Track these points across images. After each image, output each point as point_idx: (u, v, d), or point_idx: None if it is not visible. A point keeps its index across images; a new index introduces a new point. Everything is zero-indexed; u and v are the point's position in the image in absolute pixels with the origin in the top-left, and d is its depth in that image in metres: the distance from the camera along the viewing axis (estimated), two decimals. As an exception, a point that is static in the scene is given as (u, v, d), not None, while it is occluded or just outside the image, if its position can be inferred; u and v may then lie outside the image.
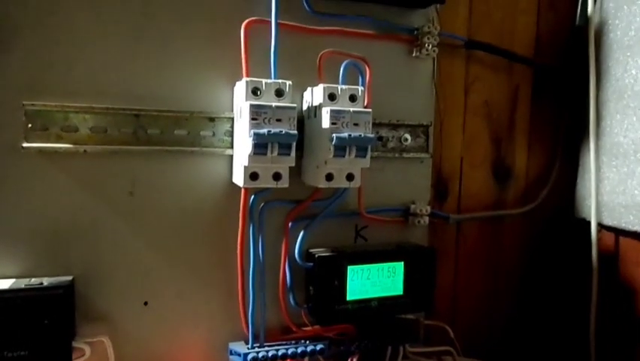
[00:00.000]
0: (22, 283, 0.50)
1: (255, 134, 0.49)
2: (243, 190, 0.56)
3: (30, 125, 0.51)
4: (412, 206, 0.67)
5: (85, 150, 0.53)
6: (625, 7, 0.66)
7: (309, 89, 0.59)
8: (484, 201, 0.76)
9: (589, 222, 0.72)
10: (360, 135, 0.53)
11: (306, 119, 0.60)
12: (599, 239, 0.71)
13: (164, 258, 0.58)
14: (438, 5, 0.66)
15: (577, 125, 0.76)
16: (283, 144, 0.51)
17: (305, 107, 0.60)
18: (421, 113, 0.68)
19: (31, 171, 0.52)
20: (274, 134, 0.50)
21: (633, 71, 0.64)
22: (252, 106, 0.50)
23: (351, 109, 0.54)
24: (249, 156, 0.50)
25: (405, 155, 0.67)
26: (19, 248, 0.52)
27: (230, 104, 0.58)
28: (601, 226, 0.71)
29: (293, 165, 0.53)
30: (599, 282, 0.70)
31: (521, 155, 0.78)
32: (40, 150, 0.51)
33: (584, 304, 0.72)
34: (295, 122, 0.52)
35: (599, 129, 0.71)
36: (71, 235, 0.54)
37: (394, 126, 0.66)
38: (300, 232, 0.61)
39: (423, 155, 0.68)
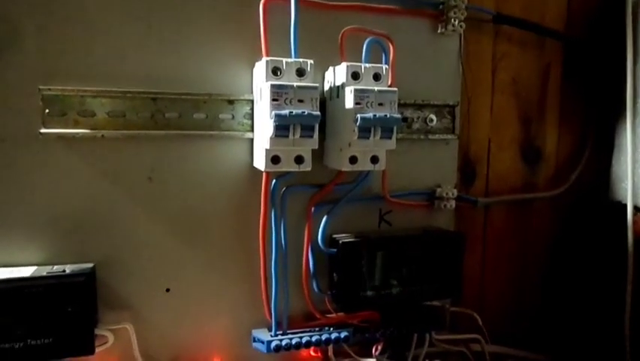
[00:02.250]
0: (44, 270, 0.50)
1: (276, 115, 0.47)
2: (264, 174, 0.54)
3: (47, 111, 0.50)
4: (438, 190, 0.65)
5: (103, 135, 0.52)
6: (667, -26, 0.61)
7: (330, 68, 0.57)
8: (512, 183, 0.73)
9: (624, 205, 0.69)
10: (385, 115, 0.51)
11: (328, 99, 0.58)
12: (635, 222, 0.68)
13: (185, 244, 0.57)
14: (465, -22, 0.62)
15: (611, 103, 0.72)
16: (305, 126, 0.49)
17: (327, 87, 0.58)
18: (447, 92, 0.65)
19: (50, 157, 0.51)
20: (296, 115, 0.48)
21: (675, 44, 0.60)
22: (272, 86, 0.48)
23: (376, 88, 0.52)
24: (270, 138, 0.48)
25: (430, 136, 0.64)
26: (40, 235, 0.52)
27: (249, 86, 0.57)
28: (637, 209, 0.68)
29: (316, 147, 0.51)
30: (635, 267, 0.67)
31: (552, 135, 0.74)
32: (58, 136, 0.50)
33: (617, 291, 0.69)
34: (317, 103, 0.50)
35: (636, 107, 0.67)
36: (91, 221, 0.53)
37: (419, 106, 0.63)
38: (323, 217, 0.59)
39: (449, 136, 0.65)
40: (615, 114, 0.72)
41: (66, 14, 0.50)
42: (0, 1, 0.48)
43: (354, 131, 0.51)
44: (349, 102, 0.51)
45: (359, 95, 0.51)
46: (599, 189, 0.75)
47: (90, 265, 0.52)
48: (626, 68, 0.67)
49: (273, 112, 0.47)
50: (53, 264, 0.52)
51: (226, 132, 0.56)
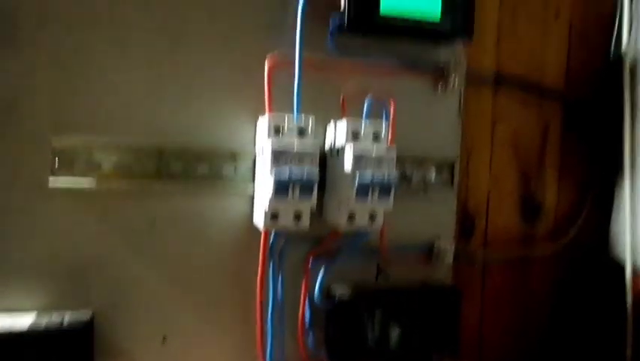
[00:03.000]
0: (44, 318, 0.50)
1: (276, 175, 0.49)
2: (263, 229, 0.55)
3: (57, 162, 0.52)
4: (437, 243, 0.65)
5: (108, 187, 0.53)
6: (662, 42, 0.63)
7: (332, 122, 0.59)
8: (511, 237, 0.73)
9: (623, 264, 0.69)
10: (383, 177, 0.52)
11: (328, 155, 0.59)
12: (634, 281, 0.68)
13: (183, 293, 0.57)
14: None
15: (610, 160, 0.73)
16: (305, 186, 0.50)
17: (327, 143, 0.60)
18: (447, 148, 0.66)
19: (56, 205, 0.52)
20: (296, 175, 0.49)
21: (671, 109, 0.61)
22: (273, 146, 0.50)
23: (375, 148, 0.53)
24: (270, 197, 0.50)
25: (429, 191, 0.65)
26: (42, 281, 0.53)
27: (252, 140, 0.58)
28: (636, 268, 0.68)
29: (314, 206, 0.52)
30: (634, 329, 0.67)
31: (551, 191, 0.75)
32: (65, 186, 0.52)
33: (617, 353, 0.69)
34: (317, 163, 0.51)
35: (635, 166, 0.68)
36: (92, 268, 0.54)
37: (419, 161, 0.65)
38: (320, 270, 0.60)
39: (448, 191, 0.66)
40: (614, 172, 0.72)
41: (78, 69, 0.52)
42: (16, 56, 0.50)
43: (352, 190, 0.52)
44: (348, 163, 0.53)
45: (358, 155, 0.52)
46: (598, 246, 0.75)
47: (89, 313, 0.53)
48: (623, 128, 0.68)
49: (274, 172, 0.49)
50: (54, 309, 0.52)
51: (228, 186, 0.57)
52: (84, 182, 0.52)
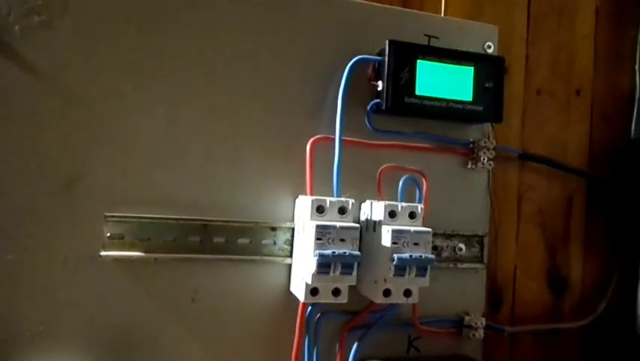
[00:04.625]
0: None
1: (319, 255, 0.51)
2: (301, 303, 0.57)
3: (108, 235, 0.54)
4: (467, 318, 0.66)
5: (155, 259, 0.55)
6: (683, 127, 0.66)
7: (368, 201, 0.61)
8: (539, 311, 0.74)
9: (652, 342, 0.69)
10: (421, 256, 0.54)
11: (364, 230, 0.61)
12: (664, 361, 0.68)
13: (219, 364, 0.58)
14: (493, 120, 0.68)
15: (635, 237, 0.74)
16: (346, 264, 0.52)
17: (363, 218, 0.62)
18: (476, 223, 0.68)
19: (105, 278, 0.54)
20: (338, 255, 0.51)
21: (696, 193, 0.63)
22: (317, 227, 0.52)
23: (412, 228, 0.55)
24: (312, 274, 0.52)
25: (459, 265, 0.67)
26: (87, 349, 0.54)
27: (291, 215, 0.61)
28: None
29: (354, 283, 0.54)
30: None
31: (577, 265, 0.76)
32: (115, 258, 0.54)
33: None
34: (358, 243, 0.53)
35: (661, 246, 0.69)
36: (135, 338, 0.55)
37: (449, 236, 0.67)
38: (354, 343, 0.60)
39: (477, 265, 0.68)
40: (639, 248, 0.74)
41: (132, 147, 0.56)
42: (75, 140, 0.54)
43: (390, 268, 0.54)
44: (386, 241, 0.55)
45: (396, 235, 0.55)
46: (626, 320, 0.75)
47: (128, 383, 0.54)
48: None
49: (317, 251, 0.51)
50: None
51: (267, 257, 0.59)
52: (132, 255, 0.55)
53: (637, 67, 0.77)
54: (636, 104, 0.77)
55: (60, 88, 0.54)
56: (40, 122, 0.53)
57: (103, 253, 0.54)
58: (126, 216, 0.55)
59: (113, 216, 0.54)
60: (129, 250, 0.55)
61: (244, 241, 0.59)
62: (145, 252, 0.55)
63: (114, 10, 0.55)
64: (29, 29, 0.53)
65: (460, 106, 0.62)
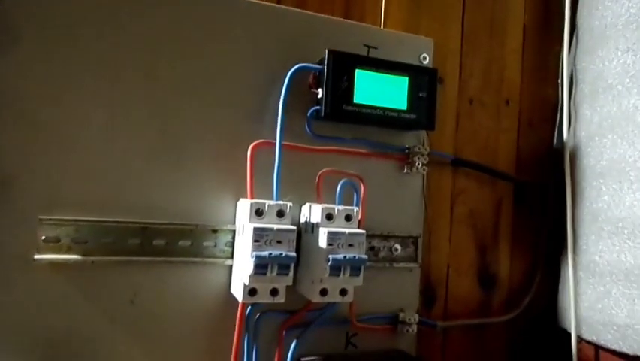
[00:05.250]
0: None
1: (256, 256, 0.53)
2: (240, 303, 0.58)
3: (43, 238, 0.54)
4: (401, 314, 0.70)
5: (92, 261, 0.55)
6: (596, 138, 0.72)
7: (307, 204, 0.63)
8: (469, 307, 0.79)
9: (569, 334, 0.75)
10: (354, 257, 0.57)
11: (303, 232, 0.64)
12: (579, 350, 0.74)
13: (159, 365, 0.59)
14: (427, 128, 0.72)
15: (557, 238, 0.81)
16: (282, 265, 0.54)
17: (302, 220, 0.64)
18: (411, 224, 0.72)
19: (39, 281, 0.54)
20: (275, 256, 0.53)
21: (606, 197, 0.70)
22: (255, 229, 0.54)
23: (347, 230, 0.58)
24: (250, 275, 0.53)
25: (395, 264, 0.70)
26: (22, 356, 0.53)
27: (232, 217, 0.62)
28: (581, 338, 0.74)
29: (290, 283, 0.56)
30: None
31: (505, 263, 0.82)
32: (50, 262, 0.54)
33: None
34: (294, 244, 0.55)
35: (576, 246, 0.75)
36: (72, 342, 0.55)
37: (386, 237, 0.70)
38: (292, 341, 0.63)
39: (412, 264, 0.71)
40: (559, 249, 0.80)
41: (70, 149, 0.56)
42: (9, 141, 0.53)
43: (325, 268, 0.56)
44: (323, 242, 0.57)
45: (332, 237, 0.57)
46: (548, 315, 0.81)
47: (64, 387, 0.54)
48: (566, 212, 0.77)
49: (254, 253, 0.53)
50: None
51: (208, 259, 0.60)
52: (69, 258, 0.54)
53: (560, 80, 0.83)
54: (558, 115, 0.83)
55: (-7, 88, 0.53)
56: (-29, 123, 0.52)
57: (37, 257, 0.53)
58: (62, 219, 0.55)
59: (48, 219, 0.54)
60: (65, 253, 0.55)
61: (185, 243, 0.60)
62: (82, 255, 0.55)
63: (52, 15, 0.55)
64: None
65: (395, 114, 0.66)
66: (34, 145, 0.54)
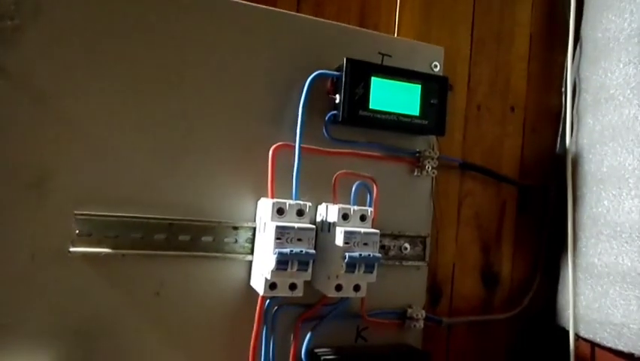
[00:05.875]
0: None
1: (279, 253, 0.56)
2: (260, 296, 0.62)
3: (77, 232, 0.57)
4: (409, 310, 0.73)
5: (123, 255, 0.59)
6: (597, 145, 0.76)
7: (324, 204, 0.67)
8: (473, 304, 0.83)
9: (567, 332, 0.79)
10: (369, 255, 0.60)
11: (319, 230, 0.67)
12: (576, 348, 0.78)
13: (182, 354, 0.62)
14: (437, 133, 0.75)
15: (557, 240, 0.84)
16: (302, 262, 0.57)
17: (319, 220, 0.68)
18: (420, 225, 0.75)
19: (74, 272, 0.57)
20: (295, 253, 0.57)
21: (605, 203, 0.73)
22: (277, 227, 0.57)
23: (362, 230, 0.62)
24: (272, 271, 0.57)
25: (404, 263, 0.74)
26: (50, 343, 0.56)
27: (252, 215, 0.65)
28: (578, 336, 0.78)
29: (309, 279, 0.59)
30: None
31: (507, 263, 0.85)
32: (83, 254, 0.57)
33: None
34: (313, 242, 0.59)
35: (576, 249, 0.79)
36: (99, 331, 0.58)
37: (396, 237, 0.73)
38: (307, 333, 0.66)
39: (420, 263, 0.75)
40: (559, 250, 0.84)
41: (102, 148, 0.59)
42: (44, 140, 0.56)
43: (342, 266, 0.60)
44: (339, 241, 0.61)
45: (348, 236, 0.61)
46: (547, 313, 0.85)
47: (94, 372, 0.57)
48: (567, 215, 0.80)
49: (276, 250, 0.56)
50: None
51: (229, 255, 0.64)
52: (101, 251, 0.58)
53: (563, 89, 0.87)
54: (561, 122, 0.87)
55: (29, 89, 0.56)
56: (10, 123, 0.55)
57: (72, 249, 0.57)
58: (95, 215, 0.58)
59: (82, 214, 0.57)
60: (97, 247, 0.58)
61: (207, 238, 0.63)
62: (113, 248, 0.58)
63: (85, 16, 0.58)
64: (1, 33, 0.55)
65: (408, 120, 0.69)
66: (69, 143, 0.57)
